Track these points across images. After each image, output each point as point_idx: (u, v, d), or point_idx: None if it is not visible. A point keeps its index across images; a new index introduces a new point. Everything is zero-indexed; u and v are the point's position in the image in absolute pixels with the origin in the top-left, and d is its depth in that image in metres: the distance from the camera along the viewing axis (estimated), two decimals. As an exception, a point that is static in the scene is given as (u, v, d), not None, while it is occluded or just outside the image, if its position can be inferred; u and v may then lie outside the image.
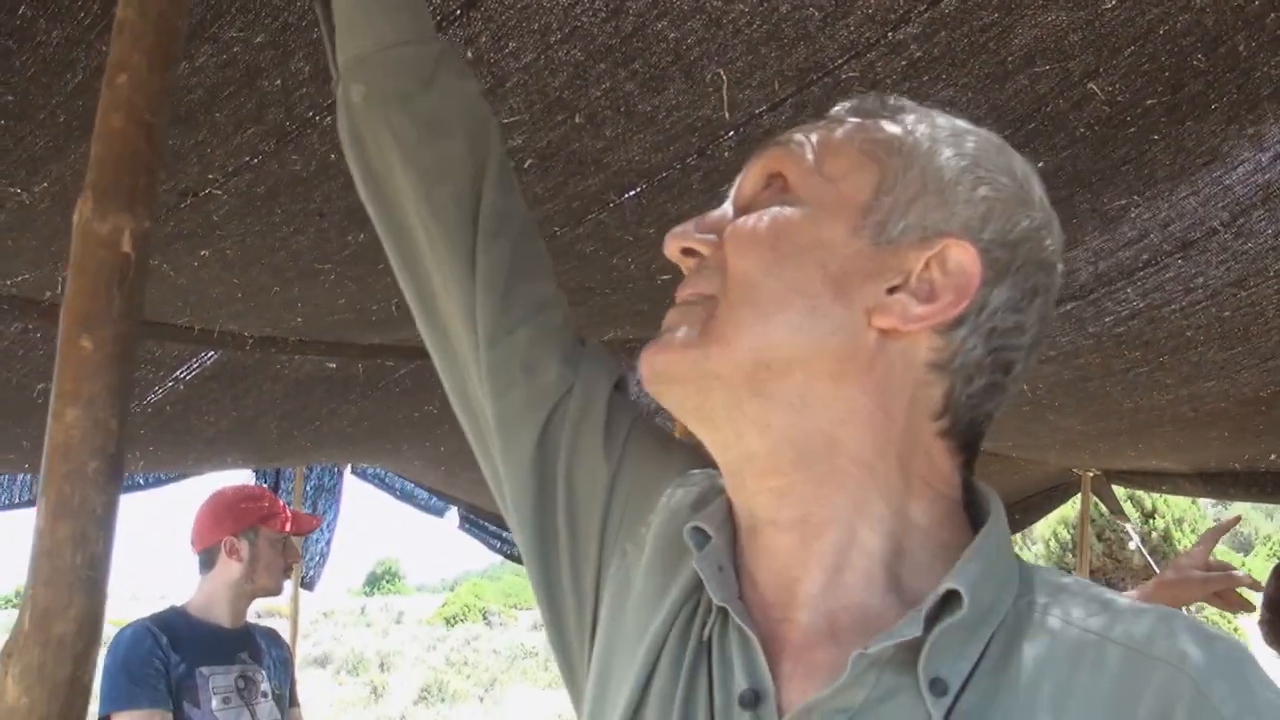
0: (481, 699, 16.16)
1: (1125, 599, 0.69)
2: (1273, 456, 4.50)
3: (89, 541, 0.76)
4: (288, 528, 2.79)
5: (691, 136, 1.69)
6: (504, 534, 5.91)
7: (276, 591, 2.82)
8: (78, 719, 0.73)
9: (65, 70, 1.31)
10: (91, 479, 0.79)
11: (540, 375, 0.88)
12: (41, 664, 0.73)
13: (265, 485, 4.88)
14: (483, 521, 5.73)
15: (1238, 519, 2.38)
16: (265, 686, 2.65)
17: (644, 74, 1.47)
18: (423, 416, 3.74)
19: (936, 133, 0.76)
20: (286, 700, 2.75)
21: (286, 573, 2.82)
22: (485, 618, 31.21)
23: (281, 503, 2.89)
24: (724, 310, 0.73)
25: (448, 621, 30.86)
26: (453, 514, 5.83)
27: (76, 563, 0.75)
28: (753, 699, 0.68)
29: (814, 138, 0.77)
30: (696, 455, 0.87)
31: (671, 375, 0.74)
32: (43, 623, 0.74)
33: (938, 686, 0.64)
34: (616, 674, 0.78)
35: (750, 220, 0.75)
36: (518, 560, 6.25)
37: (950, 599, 0.65)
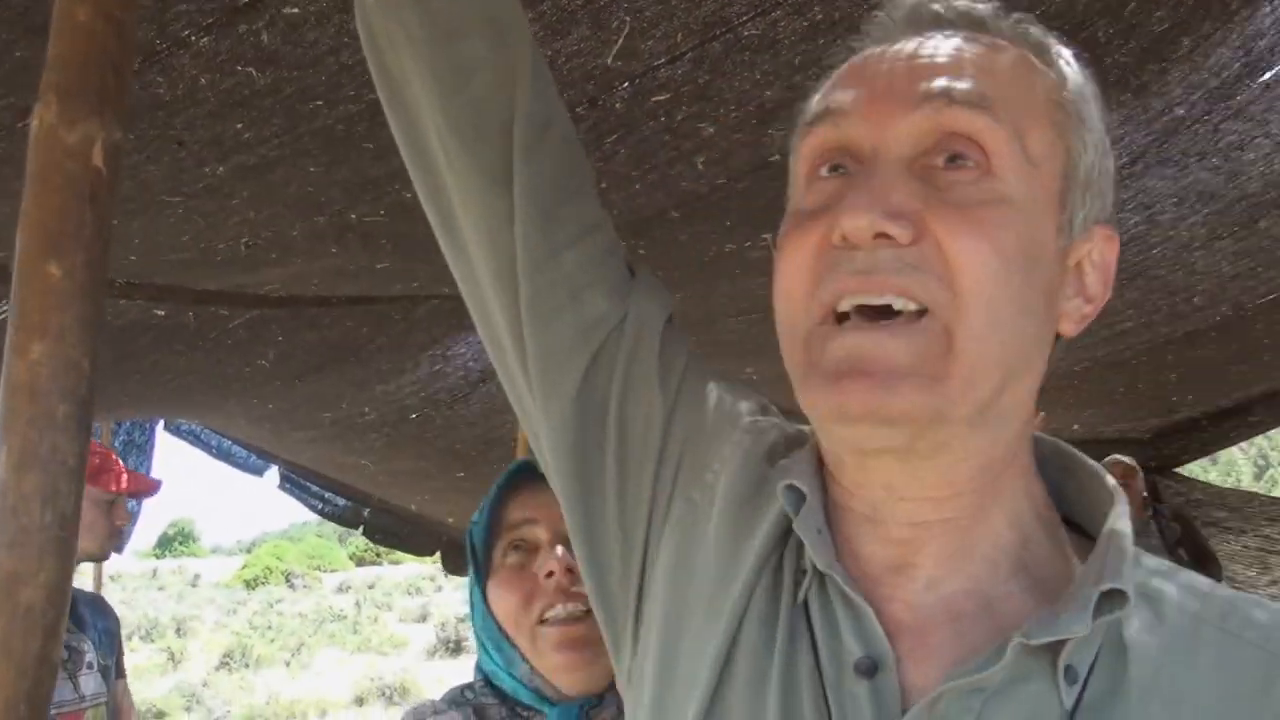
0: (288, 663, 15.68)
1: (1204, 579, 0.69)
2: (1075, 427, 4.82)
3: (60, 497, 0.66)
4: (120, 487, 2.57)
5: (587, 84, 1.64)
6: (325, 494, 5.71)
7: (101, 557, 2.61)
8: (45, 700, 0.63)
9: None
10: (62, 425, 0.69)
11: (589, 304, 0.80)
12: (7, 637, 0.63)
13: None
14: (304, 481, 5.51)
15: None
16: (90, 657, 2.44)
17: (551, 16, 1.41)
18: (254, 371, 3.55)
19: (1088, 87, 0.69)
20: (113, 672, 2.55)
21: (114, 537, 2.59)
22: (288, 580, 30.31)
23: (115, 458, 2.66)
24: (967, 341, 0.62)
25: (248, 584, 29.81)
26: (272, 473, 5.59)
27: (46, 521, 0.65)
28: (870, 667, 0.65)
29: (1002, 91, 0.65)
30: (754, 394, 0.83)
31: (899, 418, 0.62)
32: (8, 590, 0.64)
33: (1070, 674, 0.62)
34: (691, 632, 0.73)
35: (979, 219, 0.63)
36: (339, 521, 6.06)
37: (1110, 594, 0.63)
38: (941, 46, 0.67)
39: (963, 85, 0.65)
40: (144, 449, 4.91)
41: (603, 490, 0.79)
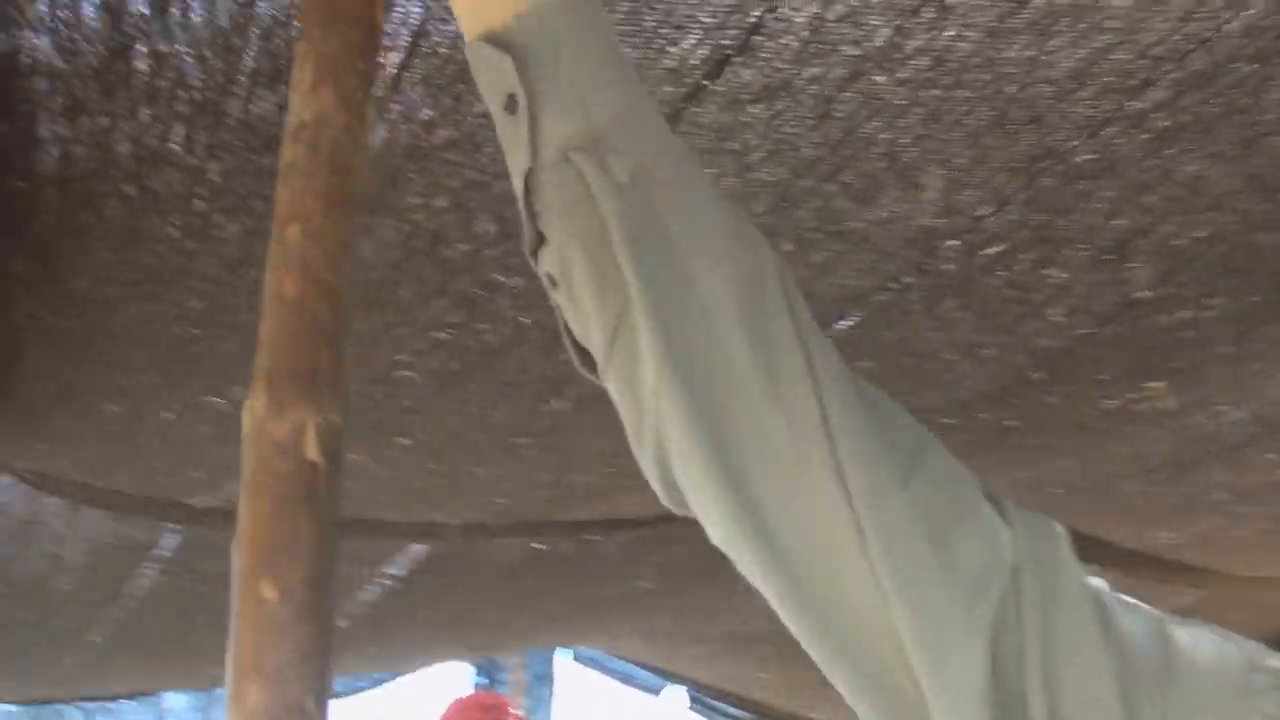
0: None
1: None
2: None
3: None
4: None
5: (910, 251, 1.52)
6: (733, 710, 5.58)
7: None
8: None
9: (246, 266, 1.26)
10: (288, 795, 0.58)
11: (961, 553, 0.58)
12: None
13: (484, 679, 4.77)
14: (711, 700, 5.42)
15: None
16: None
17: (856, 186, 1.32)
18: (633, 589, 3.58)
19: None
20: None
21: None
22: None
23: (520, 715, 2.66)
24: None
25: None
26: (670, 691, 5.57)
27: None
28: None
29: None
30: (1233, 635, 0.60)
31: None
32: None
33: None
34: None
35: None
36: (748, 739, 5.88)
37: None
38: None
39: None
40: (547, 680, 5.07)
41: None
